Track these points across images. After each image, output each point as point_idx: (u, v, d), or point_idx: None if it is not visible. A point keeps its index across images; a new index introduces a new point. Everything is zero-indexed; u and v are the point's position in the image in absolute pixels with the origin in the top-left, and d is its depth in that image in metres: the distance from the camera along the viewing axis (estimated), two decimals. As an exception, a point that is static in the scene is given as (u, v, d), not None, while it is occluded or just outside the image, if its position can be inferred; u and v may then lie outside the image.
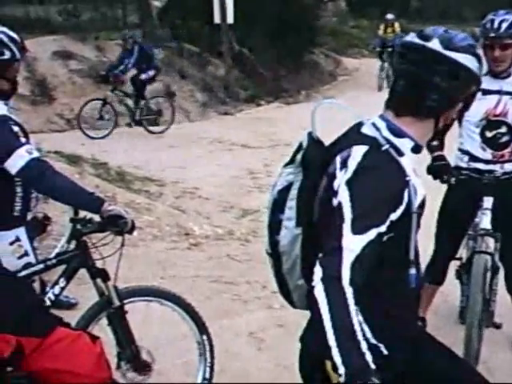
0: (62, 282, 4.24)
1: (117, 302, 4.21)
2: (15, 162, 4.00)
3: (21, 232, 4.30)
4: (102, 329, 4.23)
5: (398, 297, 2.59)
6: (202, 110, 19.21)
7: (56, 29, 23.45)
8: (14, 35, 4.32)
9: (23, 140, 4.08)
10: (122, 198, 8.28)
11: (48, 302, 4.22)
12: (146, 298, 4.40)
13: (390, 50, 20.18)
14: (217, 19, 20.39)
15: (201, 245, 7.44)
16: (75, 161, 9.54)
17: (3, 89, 4.27)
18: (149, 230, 7.61)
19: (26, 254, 4.30)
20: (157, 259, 6.89)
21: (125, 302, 4.26)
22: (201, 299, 5.68)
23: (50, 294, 4.24)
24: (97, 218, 4.14)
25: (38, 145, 9.02)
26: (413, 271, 2.57)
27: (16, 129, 4.11)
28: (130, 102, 14.04)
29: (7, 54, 4.23)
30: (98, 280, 4.23)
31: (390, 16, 22.27)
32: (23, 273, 4.19)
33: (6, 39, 4.25)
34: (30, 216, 4.44)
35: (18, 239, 4.28)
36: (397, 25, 21.90)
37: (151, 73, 14.09)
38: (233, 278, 6.54)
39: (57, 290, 4.24)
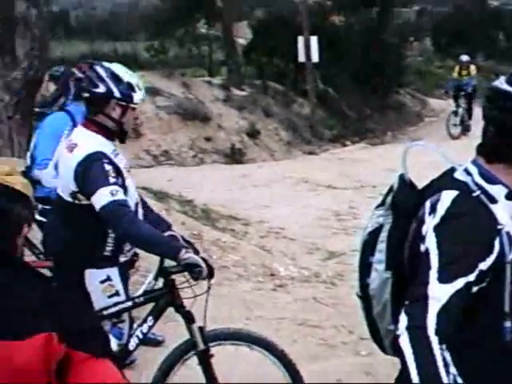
0: (149, 321, 4.24)
1: (201, 346, 4.17)
2: (98, 200, 4.03)
3: (113, 272, 4.30)
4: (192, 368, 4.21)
5: (491, 350, 2.47)
6: (286, 149, 19.22)
7: (143, 65, 23.90)
8: (122, 75, 4.32)
9: (112, 180, 4.08)
10: (207, 236, 8.25)
11: (136, 341, 4.24)
12: (235, 342, 4.33)
13: (463, 93, 19.38)
14: (301, 58, 20.49)
15: (286, 286, 7.35)
16: (162, 197, 9.58)
17: (107, 126, 4.31)
18: (234, 270, 7.56)
19: (116, 293, 4.30)
20: (243, 299, 6.83)
21: (211, 344, 4.21)
22: (287, 342, 5.58)
23: (138, 332, 4.25)
24: None
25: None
26: (508, 324, 2.45)
27: (108, 167, 4.11)
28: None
29: (102, 89, 4.25)
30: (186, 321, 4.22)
31: (465, 58, 20.38)
32: (111, 310, 4.21)
33: (104, 74, 4.27)
34: (123, 258, 4.43)
35: (108, 279, 4.28)
36: (473, 67, 20.21)
37: None
38: (319, 322, 6.42)
39: (145, 328, 4.25)
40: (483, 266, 2.33)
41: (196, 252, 4.18)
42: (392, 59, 24.33)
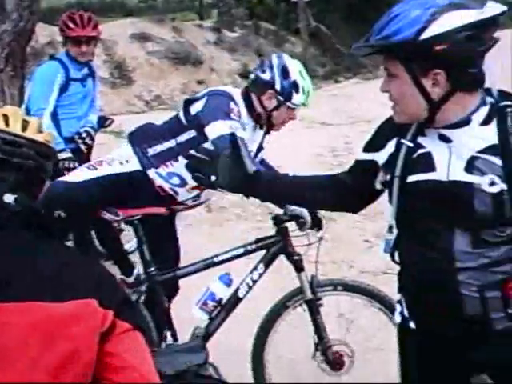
0: (260, 268, 4.23)
1: (309, 295, 4.18)
2: (214, 130, 4.09)
3: None
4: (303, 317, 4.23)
5: None
6: (279, 88, 19.07)
7: (132, 11, 23.64)
8: (292, 72, 4.33)
9: (234, 117, 4.17)
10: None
11: (246, 288, 4.23)
12: (345, 292, 4.29)
13: None
14: (293, -4, 20.25)
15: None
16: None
17: (256, 108, 4.39)
18: (232, 210, 7.55)
19: None
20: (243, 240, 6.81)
21: (319, 295, 4.21)
22: (288, 279, 5.57)
23: (248, 280, 4.23)
24: None
25: (120, 127, 9.10)
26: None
27: (232, 106, 4.21)
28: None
29: (266, 76, 4.31)
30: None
31: None
32: (221, 257, 4.24)
33: (275, 63, 4.32)
34: None
35: None
36: None
37: None
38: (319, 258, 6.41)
39: (255, 275, 4.23)
40: None
41: None
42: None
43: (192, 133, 4.30)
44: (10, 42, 11.61)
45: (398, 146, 2.49)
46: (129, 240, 6.06)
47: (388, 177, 2.54)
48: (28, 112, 5.73)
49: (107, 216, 4.29)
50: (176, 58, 16.57)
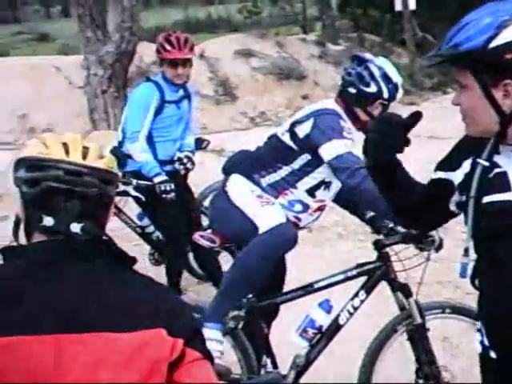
0: (361, 295, 4.16)
1: (418, 319, 4.08)
2: (329, 151, 4.03)
3: None
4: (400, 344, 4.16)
5: None
6: (386, 102, 18.82)
7: (237, 27, 23.82)
8: (391, 74, 4.28)
9: (347, 135, 4.10)
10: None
11: (347, 315, 4.16)
12: (453, 315, 4.24)
13: None
14: (398, 7, 19.91)
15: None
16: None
17: (360, 118, 4.29)
18: (334, 229, 7.42)
19: None
20: (344, 259, 6.65)
21: (427, 318, 4.13)
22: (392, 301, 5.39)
23: (348, 306, 4.17)
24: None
25: (221, 145, 9.08)
26: None
27: (343, 124, 4.15)
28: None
29: (373, 89, 4.22)
30: (399, 294, 4.13)
31: None
32: (321, 283, 4.18)
33: (377, 73, 4.24)
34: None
35: None
36: None
37: None
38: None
39: (356, 302, 4.17)
40: None
41: None
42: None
43: (306, 157, 4.20)
44: (113, 63, 11.94)
45: (474, 165, 2.38)
46: (228, 261, 6.00)
47: (463, 197, 2.42)
48: (124, 134, 5.73)
49: (202, 242, 4.26)
50: (280, 74, 16.53)
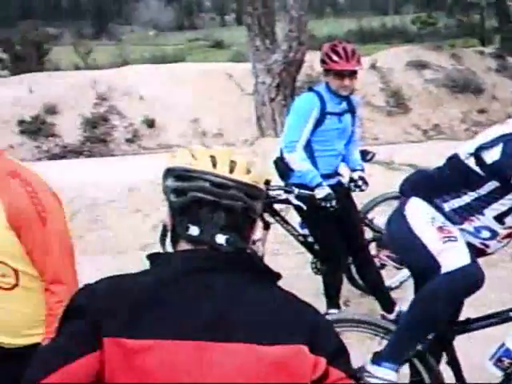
0: None
1: None
2: None
3: None
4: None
5: None
6: None
7: (411, 38, 23.42)
8: None
9: None
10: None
11: None
12: None
13: None
14: None
15: None
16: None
17: None
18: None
19: None
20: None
21: None
22: None
23: None
24: None
25: (390, 157, 8.77)
26: None
27: None
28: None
29: None
30: None
31: None
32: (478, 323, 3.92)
33: None
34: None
35: None
36: None
37: None
38: None
39: None
40: None
41: None
42: None
43: (494, 183, 3.87)
44: (281, 72, 11.96)
45: None
46: (392, 276, 5.88)
47: None
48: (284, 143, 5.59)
49: (389, 263, 4.06)
50: (455, 86, 16.06)
